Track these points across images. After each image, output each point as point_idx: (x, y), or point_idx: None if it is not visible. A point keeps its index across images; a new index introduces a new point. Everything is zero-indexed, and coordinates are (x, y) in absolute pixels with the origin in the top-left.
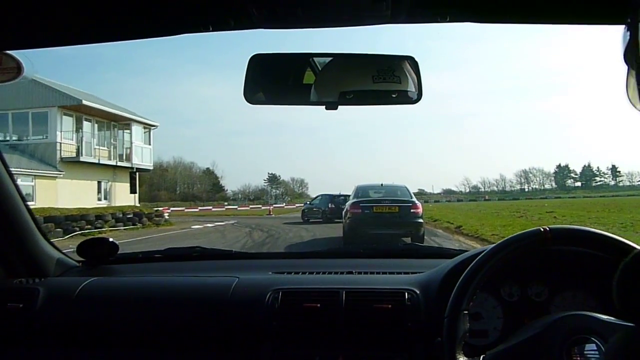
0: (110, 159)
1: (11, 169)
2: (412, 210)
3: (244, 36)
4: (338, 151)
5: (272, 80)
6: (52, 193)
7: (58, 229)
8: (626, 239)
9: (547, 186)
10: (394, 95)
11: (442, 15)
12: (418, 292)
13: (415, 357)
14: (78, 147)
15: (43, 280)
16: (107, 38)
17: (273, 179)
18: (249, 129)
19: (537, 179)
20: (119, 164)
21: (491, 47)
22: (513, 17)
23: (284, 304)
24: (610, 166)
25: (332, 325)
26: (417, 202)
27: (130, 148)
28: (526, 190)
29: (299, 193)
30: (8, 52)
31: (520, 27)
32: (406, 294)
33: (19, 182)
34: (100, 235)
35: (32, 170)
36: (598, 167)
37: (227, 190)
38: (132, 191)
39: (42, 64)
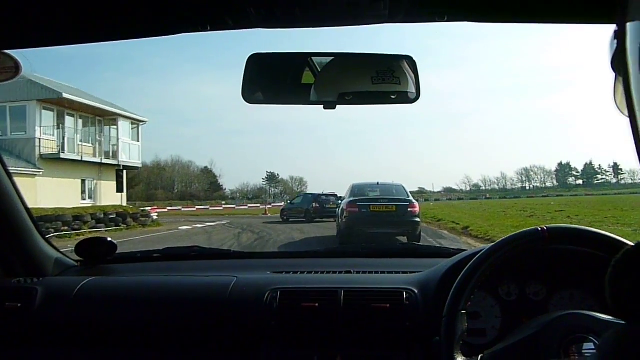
0: (95, 156)
1: None
2: (409, 210)
3: (242, 36)
4: (337, 150)
5: (271, 80)
6: (31, 192)
7: None
8: None
9: (548, 184)
10: (392, 96)
11: (440, 14)
12: (416, 291)
13: (413, 356)
14: (60, 143)
15: (41, 280)
16: (105, 38)
17: (272, 178)
18: (248, 128)
19: (539, 177)
20: (105, 161)
21: (491, 45)
22: (510, 16)
23: (283, 303)
24: (612, 164)
25: (331, 325)
26: (414, 201)
27: (117, 145)
28: (527, 188)
29: (298, 192)
30: (6, 51)
31: (520, 25)
32: (404, 293)
33: None
34: (79, 238)
35: (8, 168)
36: (600, 165)
37: (225, 189)
38: (119, 190)
39: (41, 63)
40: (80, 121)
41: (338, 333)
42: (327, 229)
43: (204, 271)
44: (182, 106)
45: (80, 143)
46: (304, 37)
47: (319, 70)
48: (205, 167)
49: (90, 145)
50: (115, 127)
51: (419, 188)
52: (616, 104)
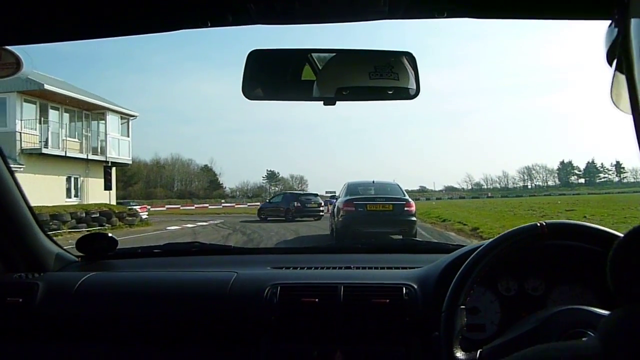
0: (81, 152)
1: None
2: (405, 209)
3: (243, 33)
4: (338, 148)
5: (271, 76)
6: None
7: None
8: None
9: (550, 183)
10: (390, 92)
11: (440, 10)
12: (416, 286)
13: (412, 351)
14: (44, 138)
15: (42, 275)
16: (105, 34)
17: (272, 176)
18: (248, 126)
19: (540, 175)
20: (92, 157)
21: (493, 43)
22: (509, 12)
23: (283, 298)
24: (615, 162)
25: (330, 320)
26: (410, 200)
27: (105, 140)
28: (529, 187)
29: (299, 190)
30: (7, 47)
31: (521, 23)
32: (404, 288)
33: None
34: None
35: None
36: (602, 164)
37: (225, 187)
38: (107, 187)
39: (42, 60)
40: (66, 115)
41: (338, 328)
42: (316, 227)
43: (204, 267)
44: (183, 104)
45: (66, 138)
46: (303, 35)
47: (319, 66)
48: (205, 165)
49: (76, 140)
50: (103, 121)
51: (420, 186)
52: (612, 98)
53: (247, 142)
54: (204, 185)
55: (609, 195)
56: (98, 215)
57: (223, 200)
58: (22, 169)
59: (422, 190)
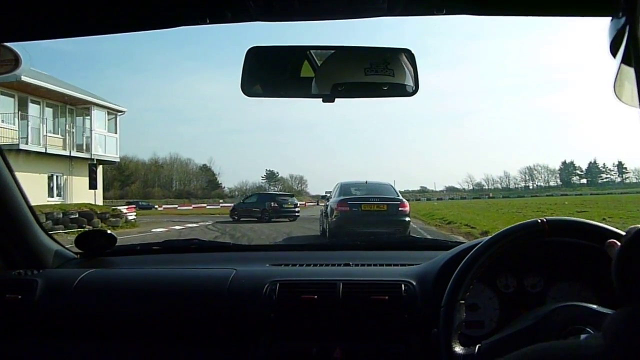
0: (64, 149)
1: None
2: (400, 209)
3: (242, 33)
4: (338, 148)
5: (269, 73)
6: None
7: None
8: None
9: (552, 183)
10: (385, 88)
11: (439, 7)
12: (414, 283)
13: (411, 347)
14: (25, 134)
15: (41, 272)
16: (104, 30)
17: (271, 176)
18: (248, 126)
19: (542, 176)
20: (76, 154)
21: (493, 43)
22: (509, 9)
23: (282, 295)
24: (617, 162)
25: (330, 317)
26: (404, 200)
27: (91, 136)
28: (531, 187)
29: (298, 190)
30: (5, 44)
31: (523, 22)
32: (403, 285)
33: None
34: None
35: None
36: (604, 164)
37: (224, 187)
38: (92, 186)
39: (42, 60)
40: (49, 110)
41: (337, 325)
42: (302, 228)
43: (203, 264)
44: (182, 104)
45: (47, 134)
46: (303, 32)
47: (318, 63)
48: (204, 165)
49: (59, 136)
50: (89, 116)
51: (421, 187)
52: (615, 91)
53: (246, 141)
54: (202, 185)
55: (611, 195)
56: (77, 216)
57: (221, 200)
58: None
59: (423, 191)
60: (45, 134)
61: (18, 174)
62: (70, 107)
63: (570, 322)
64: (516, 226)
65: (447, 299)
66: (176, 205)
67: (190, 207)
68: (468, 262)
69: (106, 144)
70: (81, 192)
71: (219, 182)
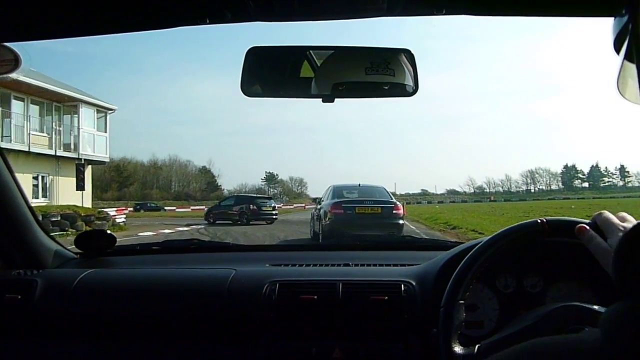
0: (50, 148)
1: None
2: (394, 212)
3: (242, 34)
4: (338, 151)
5: (269, 73)
6: None
7: None
8: None
9: (554, 187)
10: (385, 87)
11: (438, 7)
12: (414, 283)
13: (411, 348)
14: (5, 132)
15: (41, 272)
16: (103, 30)
17: (271, 178)
18: (248, 128)
19: (544, 179)
20: (63, 154)
21: (494, 46)
22: (509, 10)
23: (281, 295)
24: (619, 166)
25: (329, 317)
26: (398, 203)
27: (78, 135)
28: (532, 191)
29: (298, 192)
30: (5, 44)
31: (523, 25)
32: (402, 285)
33: None
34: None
35: None
36: (606, 168)
37: (223, 189)
38: (79, 187)
39: (41, 60)
40: (35, 107)
41: (336, 325)
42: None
43: (203, 264)
44: (182, 105)
45: (30, 132)
46: (302, 33)
47: (317, 63)
48: (204, 167)
49: (45, 135)
50: (76, 114)
51: (422, 190)
52: (618, 87)
53: (246, 144)
54: (201, 186)
55: (615, 199)
56: (59, 218)
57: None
58: None
59: (424, 194)
60: (29, 132)
61: None
62: (57, 104)
63: (570, 322)
64: (516, 226)
65: (447, 299)
66: (174, 208)
67: (189, 209)
68: (468, 262)
69: (95, 143)
70: (69, 194)
71: (219, 184)
